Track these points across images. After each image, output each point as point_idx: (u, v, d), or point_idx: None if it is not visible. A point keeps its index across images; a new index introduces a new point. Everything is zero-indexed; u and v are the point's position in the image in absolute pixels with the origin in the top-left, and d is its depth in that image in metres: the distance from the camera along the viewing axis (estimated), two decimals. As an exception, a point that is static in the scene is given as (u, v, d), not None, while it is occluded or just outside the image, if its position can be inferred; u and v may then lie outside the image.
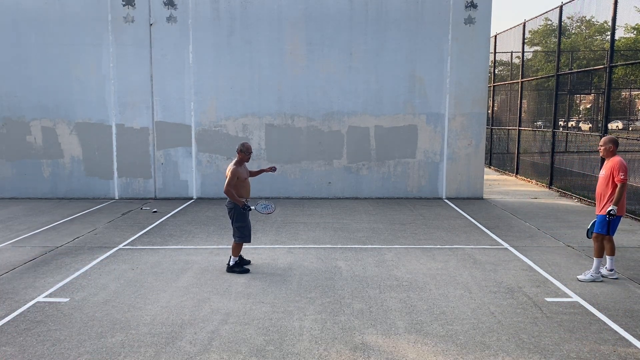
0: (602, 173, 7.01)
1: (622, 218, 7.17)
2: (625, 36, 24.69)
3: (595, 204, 7.32)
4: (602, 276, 7.10)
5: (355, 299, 6.36)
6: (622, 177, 6.72)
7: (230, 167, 7.28)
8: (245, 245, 8.14)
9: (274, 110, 13.32)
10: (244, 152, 7.37)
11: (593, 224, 7.20)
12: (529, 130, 17.71)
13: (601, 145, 7.07)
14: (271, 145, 13.39)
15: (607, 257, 7.11)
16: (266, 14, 13.05)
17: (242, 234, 7.39)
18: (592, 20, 27.91)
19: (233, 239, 7.47)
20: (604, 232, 6.93)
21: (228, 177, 7.21)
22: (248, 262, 7.76)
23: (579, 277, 7.08)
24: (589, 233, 7.29)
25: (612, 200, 6.79)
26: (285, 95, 13.28)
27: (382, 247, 8.76)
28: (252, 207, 7.42)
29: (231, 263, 7.42)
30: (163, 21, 13.02)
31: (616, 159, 6.87)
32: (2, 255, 8.31)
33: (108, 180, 13.44)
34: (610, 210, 6.73)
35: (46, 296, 6.48)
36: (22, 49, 13.06)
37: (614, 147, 6.97)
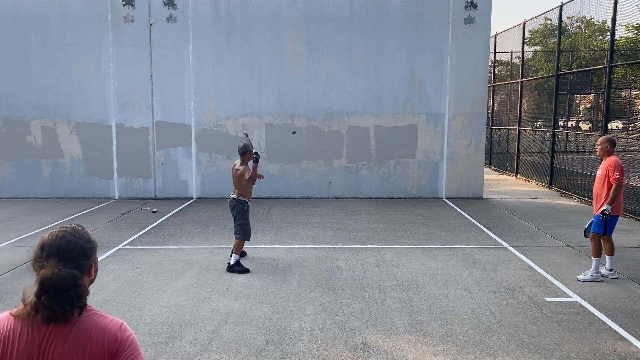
0: (599, 173, 7.01)
1: (619, 218, 7.17)
2: (625, 36, 24.68)
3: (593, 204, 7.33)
4: (602, 276, 7.09)
5: (355, 299, 6.36)
6: (617, 177, 6.72)
7: (239, 166, 7.52)
8: (245, 245, 8.20)
9: (274, 110, 13.32)
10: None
11: (590, 224, 7.21)
12: (529, 130, 17.71)
13: (598, 145, 7.06)
14: (271, 145, 13.39)
15: (607, 257, 7.11)
16: (266, 14, 13.05)
17: (245, 232, 7.53)
18: (592, 20, 27.91)
19: (235, 237, 7.55)
20: (601, 231, 6.93)
21: (242, 171, 7.44)
22: (244, 254, 8.02)
23: (579, 277, 7.08)
24: (586, 232, 7.30)
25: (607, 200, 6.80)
26: (285, 95, 13.28)
27: (382, 247, 8.77)
28: (259, 155, 7.69)
29: (232, 262, 7.45)
30: (163, 21, 13.02)
31: (612, 158, 6.87)
32: (2, 255, 8.31)
33: (108, 180, 13.44)
34: (605, 209, 6.74)
35: (46, 296, 6.47)
36: (22, 49, 13.06)
37: (610, 147, 6.97)
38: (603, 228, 6.90)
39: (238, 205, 7.51)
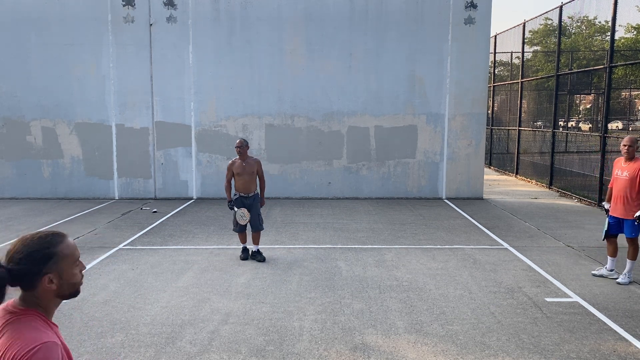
0: (625, 174, 6.81)
1: None
2: (625, 36, 24.70)
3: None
4: (603, 276, 7.11)
5: (355, 299, 6.36)
6: None
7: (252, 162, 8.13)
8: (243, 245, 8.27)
9: (274, 110, 13.32)
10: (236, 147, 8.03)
11: (609, 226, 7.08)
12: (529, 130, 17.71)
13: (629, 145, 6.82)
14: (271, 145, 13.39)
15: (609, 258, 7.12)
16: (266, 14, 13.05)
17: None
18: (593, 20, 27.92)
19: (260, 229, 8.09)
20: (636, 234, 6.84)
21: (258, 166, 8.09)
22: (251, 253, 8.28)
23: (619, 280, 6.95)
24: (606, 234, 7.16)
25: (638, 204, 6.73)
26: (285, 95, 13.28)
27: (382, 247, 8.76)
28: (235, 209, 7.95)
29: (257, 249, 8.10)
30: (163, 21, 13.02)
31: None
32: (2, 255, 8.30)
33: (108, 180, 13.44)
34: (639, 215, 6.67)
35: (46, 296, 6.47)
36: (22, 49, 13.06)
37: (636, 148, 6.92)
38: (637, 231, 6.83)
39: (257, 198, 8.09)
